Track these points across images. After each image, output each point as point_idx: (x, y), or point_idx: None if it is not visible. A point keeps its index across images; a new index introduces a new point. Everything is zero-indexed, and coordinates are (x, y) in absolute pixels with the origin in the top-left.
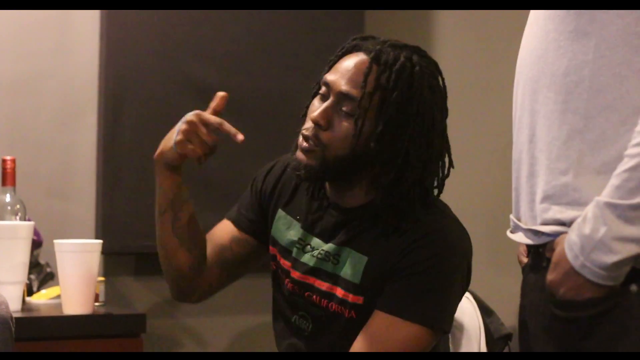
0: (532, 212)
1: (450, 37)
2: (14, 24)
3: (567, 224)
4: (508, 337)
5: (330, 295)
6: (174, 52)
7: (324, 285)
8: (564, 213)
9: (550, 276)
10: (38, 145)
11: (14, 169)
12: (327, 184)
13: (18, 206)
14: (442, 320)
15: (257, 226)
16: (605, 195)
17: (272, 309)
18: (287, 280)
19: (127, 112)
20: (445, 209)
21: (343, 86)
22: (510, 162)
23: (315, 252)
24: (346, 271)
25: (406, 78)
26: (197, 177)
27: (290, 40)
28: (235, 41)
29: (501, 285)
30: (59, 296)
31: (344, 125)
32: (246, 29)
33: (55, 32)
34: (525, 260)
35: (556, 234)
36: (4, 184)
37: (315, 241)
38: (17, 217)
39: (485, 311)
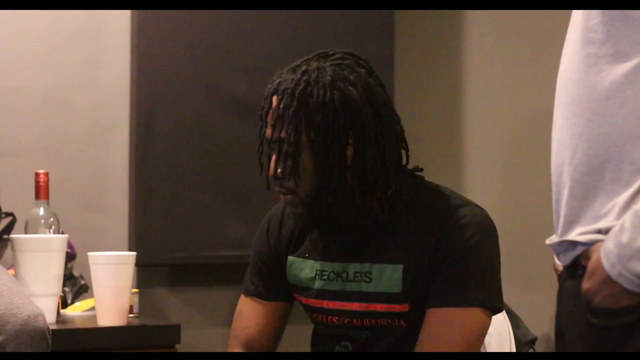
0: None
1: (479, 37)
2: (45, 39)
3: (603, 231)
4: (533, 341)
5: (370, 314)
6: (204, 64)
7: (361, 307)
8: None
9: (586, 284)
10: (71, 159)
11: (47, 182)
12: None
13: (52, 219)
14: (495, 298)
15: (279, 288)
16: None
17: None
18: (320, 316)
19: (159, 125)
20: (458, 195)
21: (271, 134)
22: (535, 171)
23: (340, 276)
24: (383, 285)
25: (304, 96)
26: (223, 188)
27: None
28: (266, 53)
29: (525, 296)
30: (93, 308)
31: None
32: (276, 40)
33: (87, 46)
34: (560, 268)
35: (592, 242)
36: (37, 197)
37: (337, 266)
38: (51, 230)
39: (512, 317)
